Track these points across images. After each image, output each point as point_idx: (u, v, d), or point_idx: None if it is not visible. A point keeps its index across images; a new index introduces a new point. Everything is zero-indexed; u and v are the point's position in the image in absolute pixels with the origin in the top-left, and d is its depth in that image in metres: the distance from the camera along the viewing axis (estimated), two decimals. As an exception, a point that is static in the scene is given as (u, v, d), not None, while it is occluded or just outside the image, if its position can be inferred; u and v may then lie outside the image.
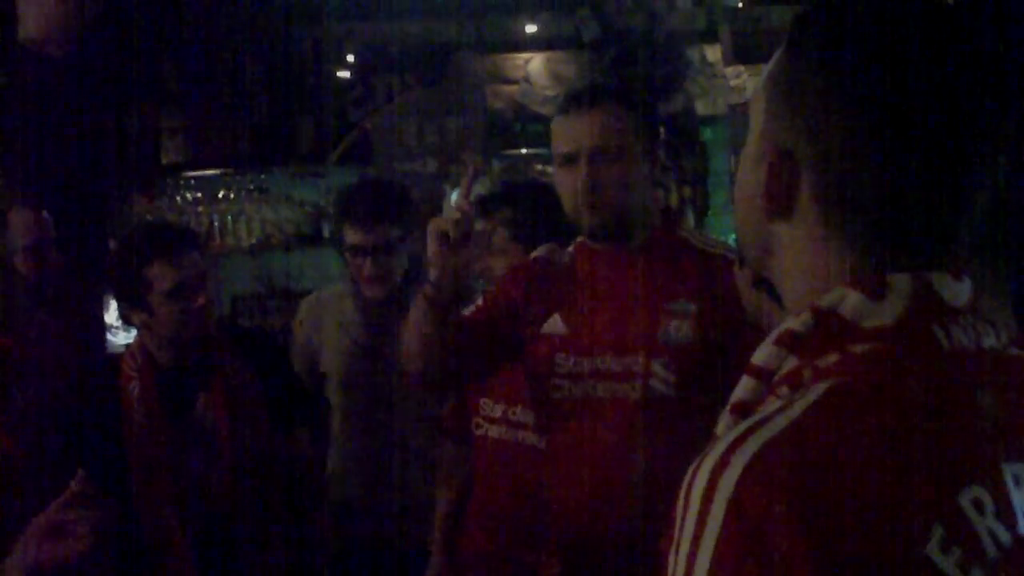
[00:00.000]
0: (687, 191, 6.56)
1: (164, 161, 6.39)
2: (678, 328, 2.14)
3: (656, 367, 2.13)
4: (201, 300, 2.47)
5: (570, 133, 2.19)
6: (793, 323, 0.89)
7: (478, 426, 2.70)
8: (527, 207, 2.76)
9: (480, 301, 2.34)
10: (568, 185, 2.18)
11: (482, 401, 2.68)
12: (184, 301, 2.44)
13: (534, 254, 2.40)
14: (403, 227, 2.99)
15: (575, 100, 2.23)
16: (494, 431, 2.65)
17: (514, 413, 2.63)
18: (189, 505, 2.49)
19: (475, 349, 2.28)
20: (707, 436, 2.19)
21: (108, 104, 2.65)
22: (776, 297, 1.63)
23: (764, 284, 1.69)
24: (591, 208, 2.15)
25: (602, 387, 2.17)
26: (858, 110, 0.87)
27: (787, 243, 0.94)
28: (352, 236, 3.00)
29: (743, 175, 0.98)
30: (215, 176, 6.45)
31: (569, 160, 2.18)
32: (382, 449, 3.03)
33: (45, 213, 2.29)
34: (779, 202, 0.92)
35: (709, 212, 6.45)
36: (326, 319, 3.15)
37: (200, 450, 2.50)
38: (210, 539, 2.51)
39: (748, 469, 0.78)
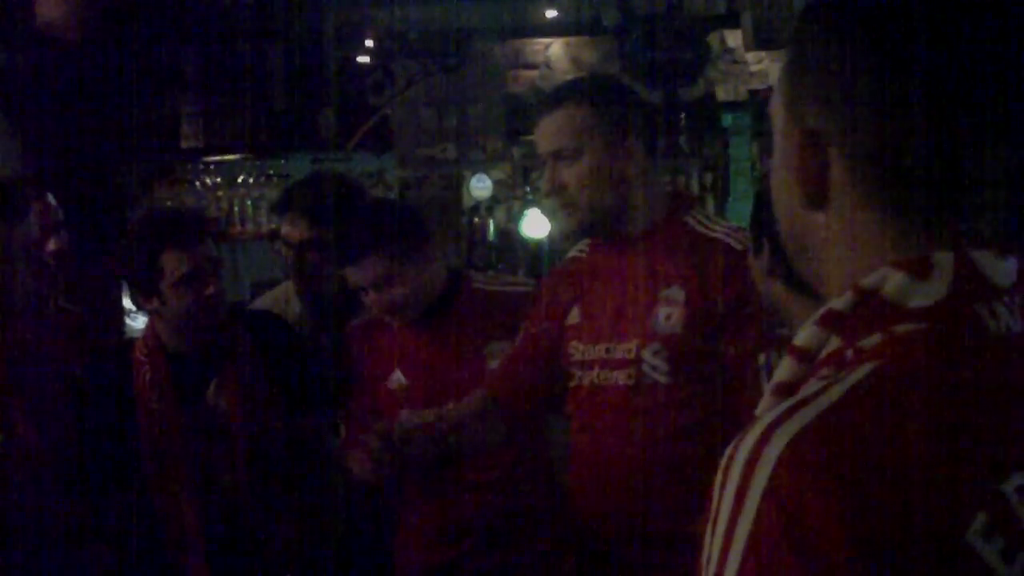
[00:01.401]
0: (708, 177, 6.53)
1: (183, 146, 6.40)
2: (668, 315, 2.16)
3: (647, 354, 2.15)
4: (213, 287, 2.47)
5: (537, 138, 2.25)
6: (836, 303, 0.87)
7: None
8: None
9: (521, 331, 2.43)
10: (542, 189, 2.30)
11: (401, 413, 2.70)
12: (196, 288, 2.44)
13: (571, 253, 2.47)
14: (316, 228, 2.93)
15: (540, 105, 2.31)
16: None
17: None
18: (202, 491, 2.49)
19: (536, 381, 2.40)
20: (702, 424, 2.19)
21: (127, 90, 2.64)
22: (796, 285, 1.62)
23: (779, 273, 1.67)
24: (562, 209, 2.21)
25: (603, 375, 2.21)
26: (884, 79, 0.85)
27: (826, 229, 0.91)
28: (282, 229, 3.03)
29: (774, 172, 0.96)
30: (235, 162, 6.46)
31: (541, 164, 2.27)
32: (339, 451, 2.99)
33: (50, 196, 2.29)
34: (813, 187, 0.90)
35: (730, 198, 6.43)
36: (278, 312, 3.12)
37: (212, 436, 2.51)
38: (224, 524, 2.52)
39: (787, 450, 0.76)
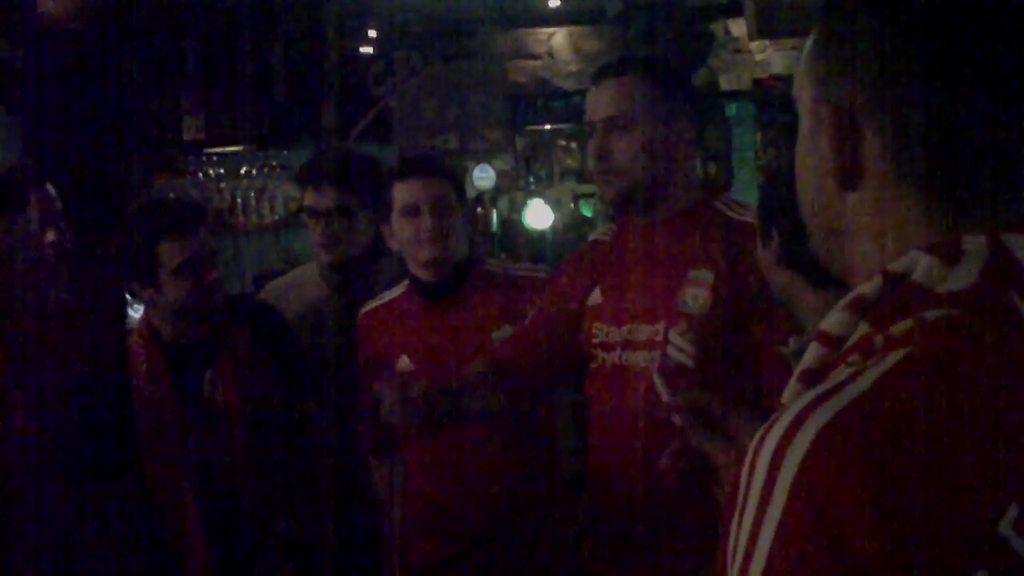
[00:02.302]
0: (711, 167, 6.52)
1: (186, 138, 6.39)
2: (695, 297, 2.15)
3: (673, 336, 2.14)
4: (210, 277, 2.48)
5: (589, 105, 2.26)
6: (864, 288, 0.86)
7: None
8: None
9: (532, 310, 2.46)
10: (589, 156, 2.27)
11: None
12: (193, 278, 2.45)
13: (592, 236, 2.49)
14: (358, 195, 2.97)
15: (596, 74, 2.31)
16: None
17: None
18: (201, 481, 2.49)
19: (541, 360, 2.41)
20: (727, 408, 2.20)
21: (129, 81, 2.63)
22: (807, 275, 1.61)
23: (791, 263, 1.66)
24: (602, 176, 2.21)
25: (629, 356, 2.21)
26: (919, 55, 0.84)
27: (858, 211, 0.90)
28: (305, 199, 3.04)
29: (801, 158, 0.95)
30: (237, 153, 6.45)
31: (591, 132, 2.21)
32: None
33: (49, 187, 2.28)
34: (847, 167, 0.88)
35: (733, 188, 6.41)
36: (291, 299, 3.11)
37: (209, 426, 2.51)
38: (222, 514, 2.52)
39: (817, 441, 0.75)
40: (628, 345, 2.21)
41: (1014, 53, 0.83)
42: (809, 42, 0.93)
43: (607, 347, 2.25)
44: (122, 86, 2.59)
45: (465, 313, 2.60)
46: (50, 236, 2.32)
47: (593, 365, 2.28)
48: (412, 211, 2.55)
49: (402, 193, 2.57)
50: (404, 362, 2.63)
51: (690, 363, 2.13)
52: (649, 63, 2.34)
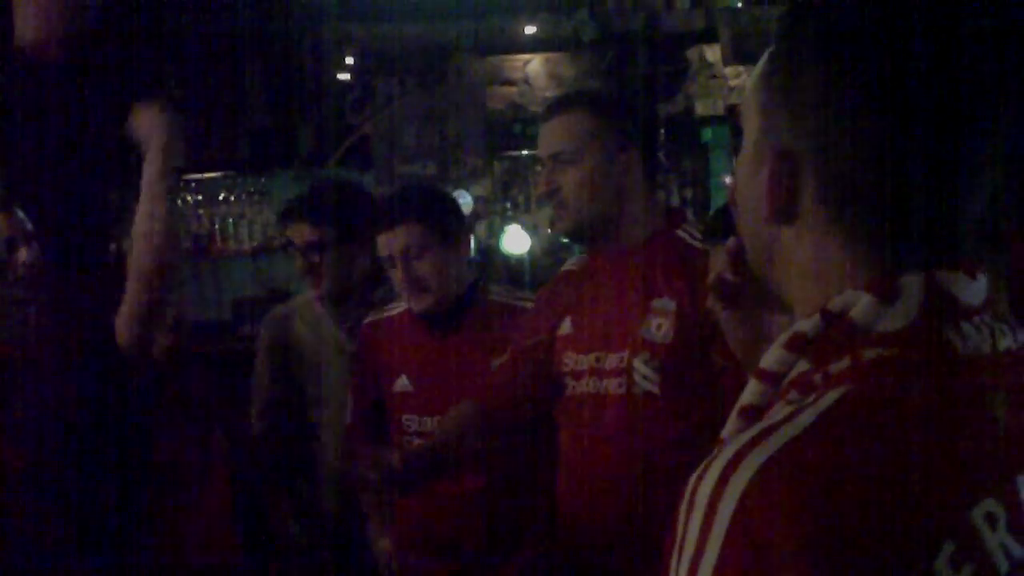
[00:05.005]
0: (688, 192, 6.55)
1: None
2: (659, 326, 2.18)
3: (638, 364, 2.16)
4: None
5: (540, 140, 2.30)
6: (803, 326, 0.87)
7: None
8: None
9: (511, 344, 2.46)
10: (537, 191, 2.32)
11: (404, 417, 2.69)
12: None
13: (564, 267, 2.52)
14: (339, 227, 2.97)
15: (546, 109, 2.37)
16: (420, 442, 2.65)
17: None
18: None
19: (519, 400, 2.42)
20: (694, 434, 2.21)
21: (107, 108, 2.64)
22: (732, 302, 1.62)
23: (722, 295, 1.67)
24: (556, 210, 2.23)
25: (595, 384, 2.22)
26: (860, 102, 0.84)
27: (792, 247, 0.90)
28: (288, 234, 3.10)
29: (742, 181, 0.95)
30: (216, 179, 6.44)
31: (542, 166, 2.28)
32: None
33: (17, 210, 2.28)
34: (782, 205, 0.89)
35: (709, 213, 6.44)
36: (293, 326, 3.14)
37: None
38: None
39: (753, 481, 0.76)
40: (595, 373, 2.23)
41: (955, 108, 0.84)
42: (758, 70, 0.93)
43: (577, 375, 2.27)
44: (99, 113, 2.59)
45: (465, 340, 2.60)
46: (23, 256, 2.32)
47: (565, 393, 2.30)
48: (389, 262, 2.56)
49: (379, 244, 2.60)
50: (403, 382, 2.64)
51: (656, 390, 2.15)
52: (595, 97, 2.36)
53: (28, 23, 2.38)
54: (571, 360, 2.29)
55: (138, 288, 2.28)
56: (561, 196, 2.21)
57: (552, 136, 2.24)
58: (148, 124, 2.28)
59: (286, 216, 3.11)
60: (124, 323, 2.29)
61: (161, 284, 2.26)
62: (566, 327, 2.32)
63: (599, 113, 2.24)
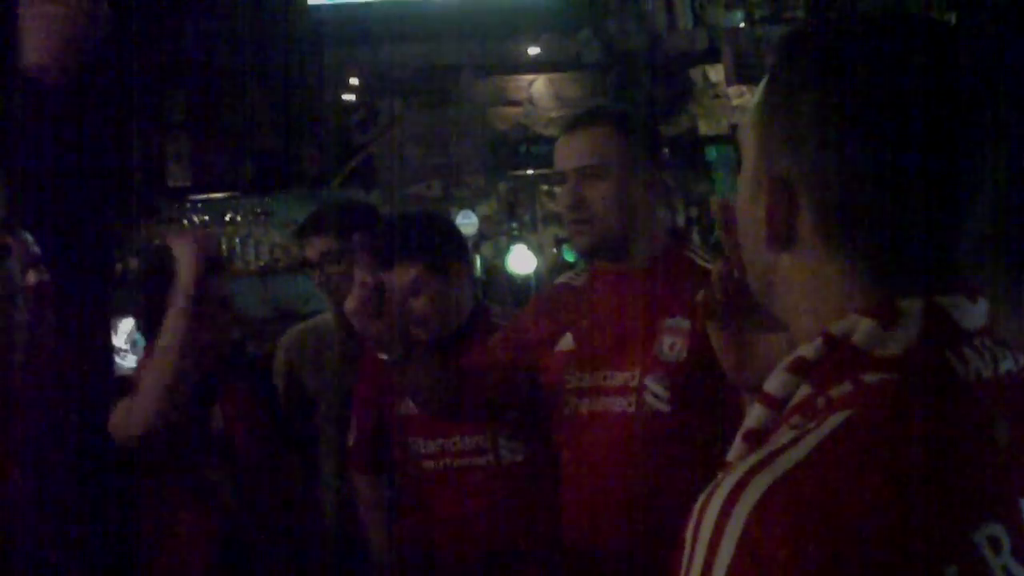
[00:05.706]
0: (693, 211, 6.57)
1: (170, 185, 6.41)
2: (672, 345, 2.16)
3: (650, 382, 2.15)
4: (224, 319, 2.54)
5: (561, 153, 2.25)
6: (805, 350, 0.86)
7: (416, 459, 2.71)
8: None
9: (490, 352, 2.41)
10: (560, 204, 2.27)
11: (409, 439, 2.68)
12: (207, 320, 2.49)
13: (558, 280, 2.48)
14: (342, 240, 2.99)
15: (569, 122, 2.32)
16: (429, 464, 2.64)
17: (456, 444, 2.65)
18: (201, 512, 2.52)
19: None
20: (704, 453, 2.18)
21: (111, 131, 2.66)
22: (728, 324, 1.63)
23: (716, 318, 1.67)
24: (576, 225, 2.21)
25: (602, 402, 2.20)
26: (855, 129, 0.84)
27: (792, 272, 0.90)
28: (304, 251, 3.10)
29: (741, 207, 0.95)
30: (221, 200, 6.47)
31: (561, 179, 2.24)
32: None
33: (26, 234, 2.31)
34: (780, 232, 0.89)
35: (715, 231, 6.46)
36: (310, 343, 3.17)
37: (212, 457, 2.54)
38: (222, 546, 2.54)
39: (758, 507, 0.76)
40: (602, 391, 2.21)
41: (950, 134, 0.84)
42: (758, 94, 0.93)
43: (580, 393, 2.23)
44: (106, 136, 2.62)
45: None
46: (31, 278, 2.34)
47: (565, 411, 2.27)
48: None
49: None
50: (407, 404, 2.62)
51: (665, 408, 2.14)
52: (620, 114, 2.36)
53: (32, 46, 2.40)
54: (574, 378, 2.26)
55: (153, 397, 2.33)
56: (587, 210, 2.20)
57: (578, 150, 2.22)
58: (179, 251, 2.38)
59: (302, 232, 3.12)
60: (133, 417, 2.35)
61: (175, 397, 2.33)
62: (567, 343, 2.30)
63: (624, 130, 2.24)
